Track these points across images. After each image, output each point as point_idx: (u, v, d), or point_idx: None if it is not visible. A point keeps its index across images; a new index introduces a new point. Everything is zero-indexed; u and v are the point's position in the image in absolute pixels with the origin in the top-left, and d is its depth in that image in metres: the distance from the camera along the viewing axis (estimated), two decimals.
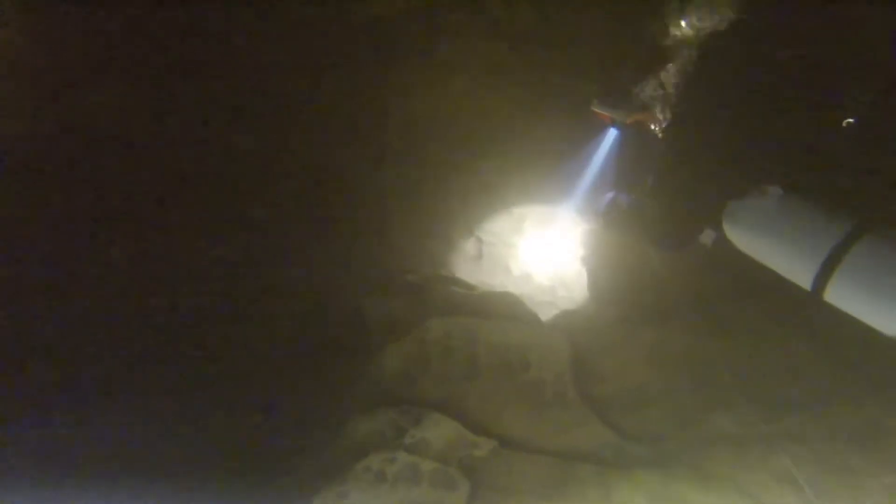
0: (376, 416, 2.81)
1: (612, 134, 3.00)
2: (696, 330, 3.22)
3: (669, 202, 2.27)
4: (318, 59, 4.42)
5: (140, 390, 3.03)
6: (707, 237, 2.16)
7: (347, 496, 2.57)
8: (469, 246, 3.83)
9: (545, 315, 3.24)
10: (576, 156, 3.56)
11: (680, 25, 2.89)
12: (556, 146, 3.89)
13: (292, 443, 2.76)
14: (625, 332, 3.23)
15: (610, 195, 2.55)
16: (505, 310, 3.09)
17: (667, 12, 3.60)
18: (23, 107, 3.94)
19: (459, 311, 3.03)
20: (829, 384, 2.82)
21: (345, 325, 3.29)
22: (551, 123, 4.10)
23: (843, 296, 1.80)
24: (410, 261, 3.88)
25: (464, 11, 4.35)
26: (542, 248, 3.69)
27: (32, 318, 3.49)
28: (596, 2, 3.97)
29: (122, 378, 3.17)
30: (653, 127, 2.60)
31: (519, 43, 4.28)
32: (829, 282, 1.80)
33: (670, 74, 2.69)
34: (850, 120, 2.08)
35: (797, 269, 1.92)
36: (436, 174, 4.30)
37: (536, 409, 2.97)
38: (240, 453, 2.73)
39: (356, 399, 2.88)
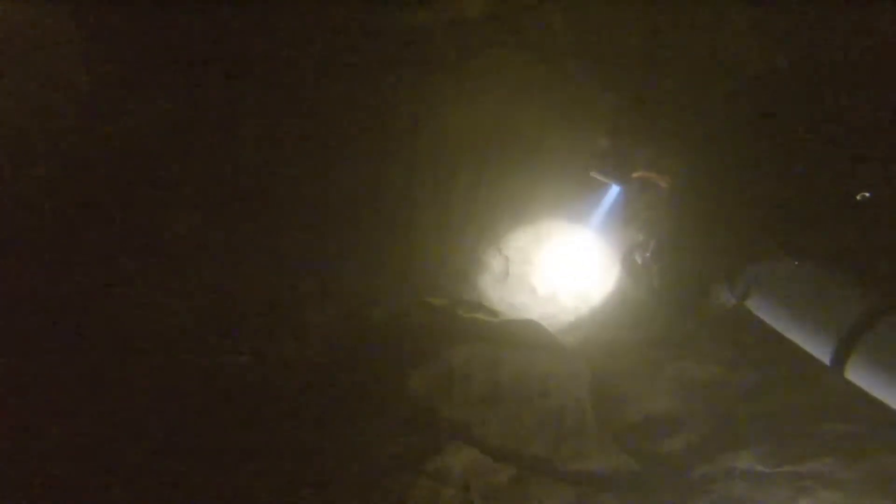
0: (398, 440, 2.83)
1: (616, 190, 2.91)
2: (720, 360, 3.12)
3: (675, 267, 2.18)
4: (352, 66, 4.36)
5: (161, 399, 3.08)
6: (727, 300, 2.06)
7: None
8: (495, 263, 3.77)
9: (567, 339, 3.18)
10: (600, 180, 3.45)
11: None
12: (584, 165, 3.78)
13: (315, 465, 2.78)
14: (647, 360, 3.18)
15: (628, 247, 2.47)
16: (527, 337, 3.07)
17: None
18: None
19: (482, 338, 3.02)
20: (864, 426, 2.68)
21: (371, 347, 3.28)
22: (581, 141, 3.99)
23: (865, 377, 1.69)
24: (438, 277, 3.84)
25: (498, 26, 4.24)
26: (567, 268, 3.61)
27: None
28: (629, 19, 3.82)
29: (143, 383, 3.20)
30: (659, 184, 2.49)
31: (551, 59, 4.17)
32: (848, 362, 1.68)
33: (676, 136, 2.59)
34: (867, 194, 1.94)
35: (814, 344, 1.81)
36: (465, 188, 4.24)
37: (556, 437, 2.95)
38: (262, 473, 2.77)
39: (378, 422, 2.88)
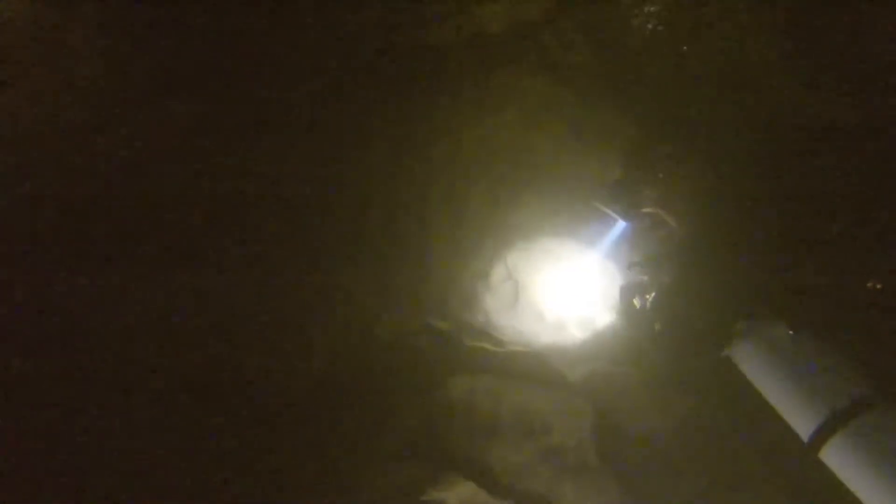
0: (396, 470, 2.81)
1: (620, 225, 2.83)
2: (730, 400, 3.05)
3: (676, 314, 2.14)
4: (370, 80, 4.34)
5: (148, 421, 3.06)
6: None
7: None
8: (505, 287, 3.73)
9: (573, 373, 3.14)
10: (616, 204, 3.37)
11: None
12: (600, 189, 3.72)
13: (308, 491, 2.77)
14: (654, 399, 3.11)
15: (627, 289, 2.42)
16: (531, 370, 3.03)
17: None
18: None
19: (486, 369, 2.99)
20: None
21: (373, 371, 3.26)
22: (597, 164, 3.93)
23: (840, 463, 1.65)
24: (445, 297, 3.81)
25: (516, 43, 4.19)
26: (579, 298, 3.56)
27: None
28: (654, 44, 3.76)
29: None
30: (669, 223, 2.43)
31: (571, 79, 4.11)
32: (826, 445, 1.65)
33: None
34: (878, 285, 1.89)
35: (795, 417, 1.78)
36: (479, 208, 4.20)
37: (557, 474, 2.90)
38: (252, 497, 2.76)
39: (376, 450, 2.86)
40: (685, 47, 3.64)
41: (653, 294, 2.30)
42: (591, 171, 3.88)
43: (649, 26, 3.60)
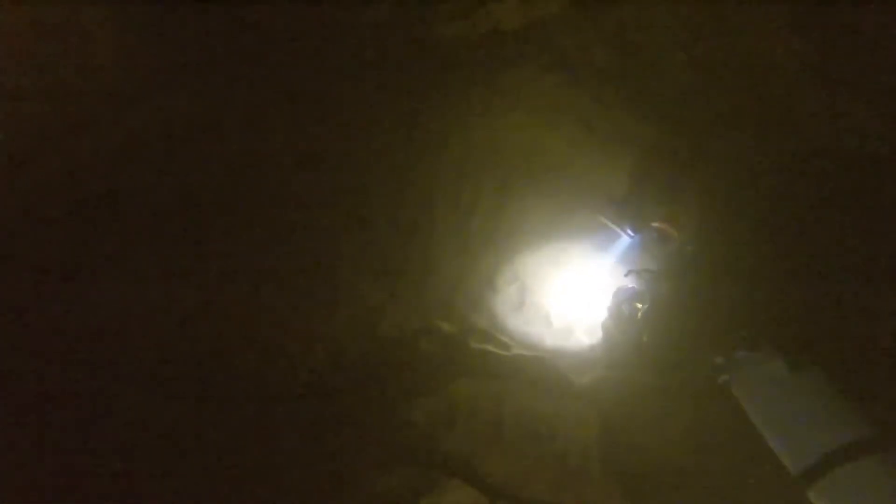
0: (394, 473, 2.80)
1: (626, 240, 2.83)
2: (737, 411, 3.00)
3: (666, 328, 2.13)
4: (382, 74, 4.33)
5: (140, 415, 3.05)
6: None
7: None
8: (512, 290, 3.71)
9: (579, 378, 3.11)
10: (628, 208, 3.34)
11: None
12: (611, 193, 3.69)
13: (303, 493, 2.76)
14: (663, 406, 3.06)
15: (618, 296, 2.41)
16: (536, 375, 3.00)
17: None
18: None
19: (490, 373, 2.96)
20: None
21: (376, 370, 3.25)
22: (610, 166, 3.90)
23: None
24: (452, 297, 3.79)
25: (530, 42, 4.17)
26: (586, 301, 3.54)
27: None
28: (672, 42, 3.71)
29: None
30: (676, 238, 2.42)
31: (585, 79, 4.08)
32: (816, 485, 1.64)
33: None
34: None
35: (788, 453, 1.77)
36: (488, 208, 4.18)
37: (558, 480, 2.87)
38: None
39: (375, 452, 2.85)
40: (704, 48, 3.60)
41: (645, 305, 2.30)
42: (603, 174, 3.84)
43: (668, 25, 3.55)
